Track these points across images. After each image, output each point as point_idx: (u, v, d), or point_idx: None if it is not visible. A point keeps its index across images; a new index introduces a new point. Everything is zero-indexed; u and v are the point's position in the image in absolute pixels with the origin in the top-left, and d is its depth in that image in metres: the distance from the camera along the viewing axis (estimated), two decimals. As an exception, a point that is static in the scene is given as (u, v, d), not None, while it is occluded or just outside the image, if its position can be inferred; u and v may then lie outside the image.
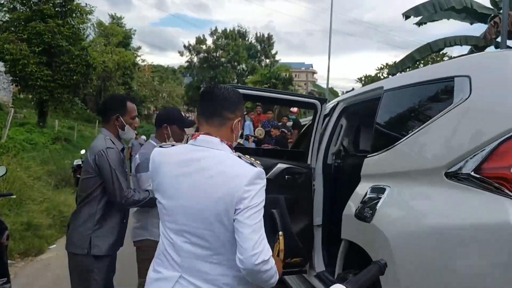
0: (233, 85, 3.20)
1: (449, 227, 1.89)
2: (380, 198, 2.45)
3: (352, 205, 2.76)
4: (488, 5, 12.94)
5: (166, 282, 1.73)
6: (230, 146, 1.79)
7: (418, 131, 2.34)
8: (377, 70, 39.82)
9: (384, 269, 1.39)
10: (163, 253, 1.80)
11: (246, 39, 52.47)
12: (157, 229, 3.21)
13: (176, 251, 1.75)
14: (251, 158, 1.75)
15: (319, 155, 3.80)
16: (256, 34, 53.24)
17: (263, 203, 1.69)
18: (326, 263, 3.64)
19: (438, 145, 2.16)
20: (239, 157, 1.73)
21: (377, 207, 2.42)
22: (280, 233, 2.06)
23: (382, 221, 2.35)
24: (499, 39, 10.95)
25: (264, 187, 1.70)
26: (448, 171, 1.99)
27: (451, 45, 13.10)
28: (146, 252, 3.25)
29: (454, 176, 1.95)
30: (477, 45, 12.30)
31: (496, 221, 1.67)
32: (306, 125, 5.24)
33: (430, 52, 13.55)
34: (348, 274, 2.71)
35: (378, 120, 2.86)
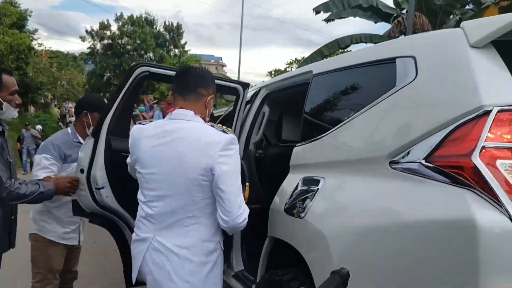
0: (147, 63, 2.81)
1: (397, 223, 1.68)
2: (313, 190, 2.20)
3: (280, 199, 2.49)
4: (392, 5, 13.64)
5: (143, 242, 1.94)
6: (203, 119, 1.97)
7: (355, 117, 2.11)
8: (286, 64, 40.82)
9: (347, 280, 1.12)
10: (140, 219, 1.99)
11: (154, 27, 50.47)
12: (47, 225, 2.89)
13: (152, 216, 1.93)
14: (223, 126, 1.93)
15: (240, 145, 3.51)
16: (165, 22, 51.30)
17: (239, 167, 1.91)
18: (245, 261, 3.37)
19: (381, 132, 1.95)
20: (212, 126, 1.92)
21: (311, 201, 2.17)
22: (247, 183, 2.33)
23: (317, 216, 2.10)
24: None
25: (238, 152, 1.92)
26: (393, 159, 1.79)
27: (357, 42, 13.67)
28: (35, 247, 2.99)
29: (400, 165, 1.75)
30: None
31: (456, 216, 1.47)
32: (221, 117, 4.92)
33: (338, 48, 14.04)
34: (273, 275, 2.46)
35: (308, 106, 2.62)
